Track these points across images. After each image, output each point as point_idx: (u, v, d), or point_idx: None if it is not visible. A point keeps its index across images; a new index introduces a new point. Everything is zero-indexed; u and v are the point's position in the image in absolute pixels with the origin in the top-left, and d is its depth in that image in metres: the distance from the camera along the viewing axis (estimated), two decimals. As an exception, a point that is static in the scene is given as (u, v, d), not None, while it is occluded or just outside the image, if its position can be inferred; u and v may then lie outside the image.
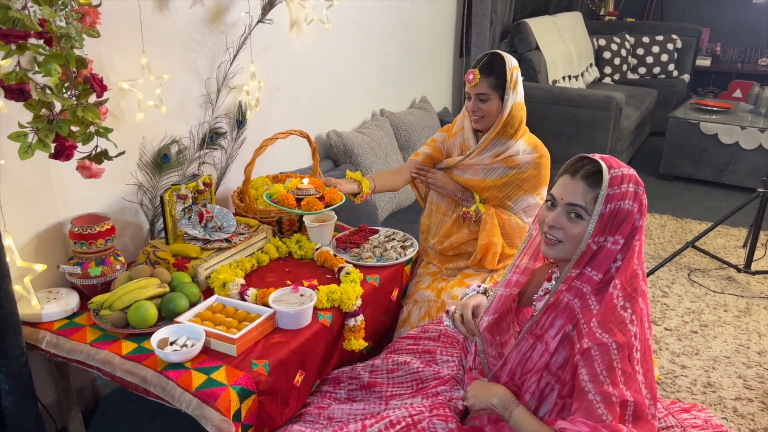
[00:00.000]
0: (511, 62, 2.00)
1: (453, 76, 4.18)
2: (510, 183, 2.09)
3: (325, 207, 1.90)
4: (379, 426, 1.42)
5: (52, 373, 1.79)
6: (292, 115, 2.64)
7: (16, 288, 1.54)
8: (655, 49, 5.62)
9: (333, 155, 2.81)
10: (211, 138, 2.20)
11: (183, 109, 2.10)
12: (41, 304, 1.64)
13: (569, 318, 1.32)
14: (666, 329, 2.56)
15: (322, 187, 1.98)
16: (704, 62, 6.22)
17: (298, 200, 1.90)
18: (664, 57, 5.62)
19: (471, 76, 1.99)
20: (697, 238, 3.08)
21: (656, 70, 5.64)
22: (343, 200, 1.95)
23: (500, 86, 1.99)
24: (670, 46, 5.61)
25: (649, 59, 5.63)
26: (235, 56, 2.19)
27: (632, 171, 1.31)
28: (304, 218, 2.07)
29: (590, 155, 1.32)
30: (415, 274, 2.20)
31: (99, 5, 1.51)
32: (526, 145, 2.07)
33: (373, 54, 3.16)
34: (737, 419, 2.05)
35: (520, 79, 2.03)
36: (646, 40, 5.63)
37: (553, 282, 1.42)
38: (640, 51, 5.64)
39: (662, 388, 2.19)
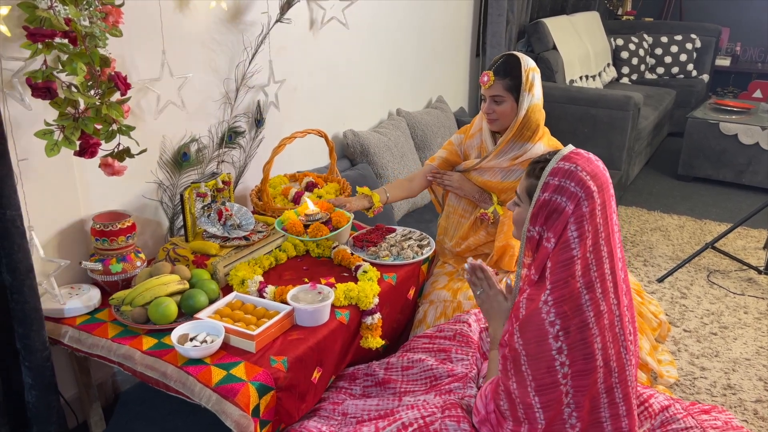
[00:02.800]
0: (528, 64, 1.98)
1: (469, 76, 4.18)
2: (529, 185, 2.08)
3: (331, 231, 1.96)
4: (392, 429, 1.43)
5: (74, 368, 1.81)
6: (309, 115, 2.65)
7: (40, 283, 1.57)
8: (674, 48, 5.56)
9: (350, 154, 2.82)
10: (230, 137, 2.21)
11: (202, 108, 2.12)
12: (64, 299, 1.66)
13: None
14: (685, 330, 2.54)
15: (330, 210, 2.01)
16: (724, 62, 6.15)
17: (306, 226, 1.96)
18: (683, 57, 5.56)
19: (485, 78, 1.98)
20: (717, 240, 3.05)
21: (675, 70, 5.59)
22: (350, 220, 2.00)
23: (515, 88, 1.97)
24: (689, 46, 5.55)
25: (668, 59, 5.58)
26: (253, 56, 2.21)
27: (582, 174, 1.27)
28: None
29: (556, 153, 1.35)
30: (432, 273, 2.19)
31: (122, 5, 1.53)
32: (546, 147, 2.05)
33: (389, 54, 3.17)
34: (758, 422, 2.03)
35: (538, 81, 2.00)
36: (664, 39, 5.58)
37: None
38: (659, 51, 5.59)
39: (681, 390, 2.17)
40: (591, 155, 1.33)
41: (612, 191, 1.32)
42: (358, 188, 2.17)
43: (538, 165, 1.36)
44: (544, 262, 1.31)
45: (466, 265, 1.58)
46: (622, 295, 1.32)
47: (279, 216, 2.08)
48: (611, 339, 1.29)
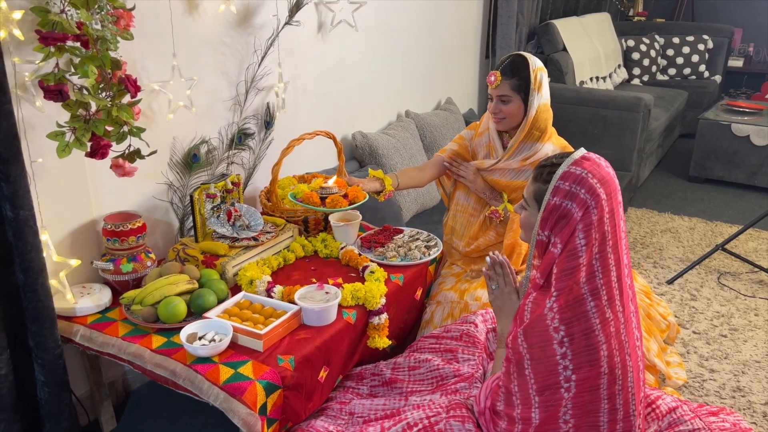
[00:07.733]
0: (535, 63, 1.99)
1: (478, 78, 4.18)
2: (538, 184, 2.08)
3: (349, 204, 1.94)
4: (397, 429, 1.44)
5: (85, 367, 1.84)
6: (318, 117, 2.67)
7: (52, 282, 1.59)
8: (686, 49, 5.53)
9: (358, 156, 2.83)
10: (240, 138, 2.23)
11: (212, 110, 2.14)
12: (75, 298, 1.69)
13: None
14: (695, 332, 2.53)
15: (345, 187, 2.01)
16: (736, 63, 6.10)
17: (323, 199, 1.94)
18: (695, 58, 5.52)
19: (492, 78, 1.99)
20: (728, 241, 3.03)
21: (686, 71, 5.55)
22: (367, 198, 1.99)
23: (522, 88, 1.98)
24: (701, 47, 5.52)
25: (679, 60, 5.55)
26: (263, 58, 2.23)
27: (592, 181, 1.27)
28: (330, 218, 2.10)
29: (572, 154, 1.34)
30: (439, 274, 2.20)
31: (133, 8, 1.56)
32: (554, 147, 2.06)
33: (398, 55, 3.18)
34: (767, 424, 2.02)
35: (546, 80, 2.00)
36: (676, 40, 5.54)
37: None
38: (670, 52, 5.56)
39: (690, 392, 2.16)
40: (601, 160, 1.33)
41: (620, 198, 1.32)
42: (370, 170, 2.14)
43: (545, 169, 1.35)
44: (550, 267, 1.32)
45: (487, 258, 1.58)
46: (628, 302, 1.32)
47: (287, 216, 2.10)
48: (617, 347, 1.29)
